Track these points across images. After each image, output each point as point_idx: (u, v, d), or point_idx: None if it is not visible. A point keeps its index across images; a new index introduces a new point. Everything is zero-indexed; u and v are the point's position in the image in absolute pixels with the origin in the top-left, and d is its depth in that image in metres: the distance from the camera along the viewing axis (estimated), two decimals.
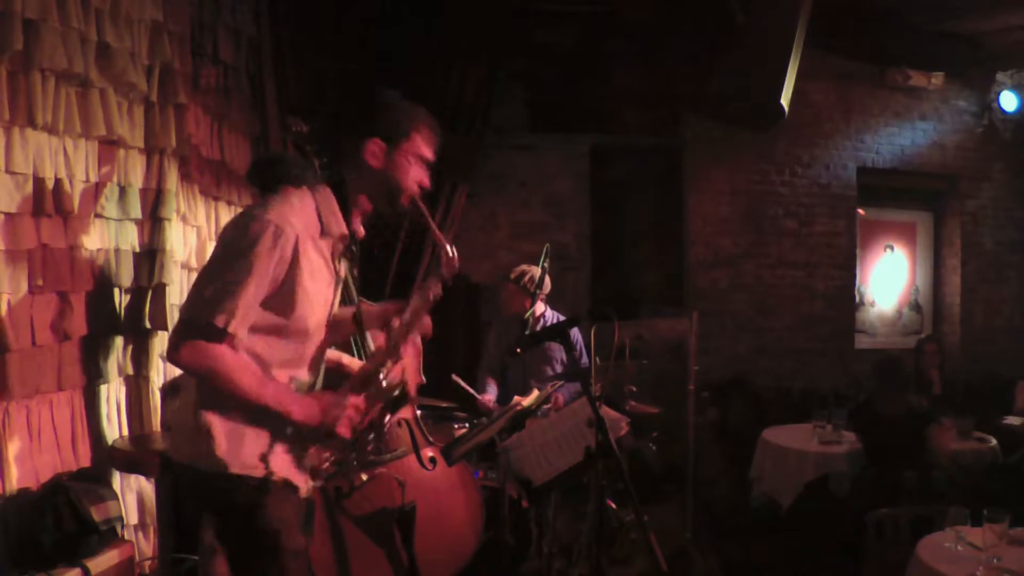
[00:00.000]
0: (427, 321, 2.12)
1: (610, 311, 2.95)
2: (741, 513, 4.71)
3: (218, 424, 1.78)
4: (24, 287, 2.49)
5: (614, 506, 3.88)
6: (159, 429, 3.12)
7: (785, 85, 4.21)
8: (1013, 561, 2.37)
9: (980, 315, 6.79)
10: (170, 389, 3.22)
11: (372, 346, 2.46)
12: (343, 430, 1.86)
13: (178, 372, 3.11)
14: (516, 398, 3.06)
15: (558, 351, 4.12)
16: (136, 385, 3.11)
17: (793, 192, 6.26)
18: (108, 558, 2.54)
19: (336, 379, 2.05)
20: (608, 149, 5.93)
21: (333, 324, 1.98)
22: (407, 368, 2.07)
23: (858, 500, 3.80)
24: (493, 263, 5.53)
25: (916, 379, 4.98)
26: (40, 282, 2.55)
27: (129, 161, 2.97)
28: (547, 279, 3.97)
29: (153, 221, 3.10)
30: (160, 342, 3.16)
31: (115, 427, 2.99)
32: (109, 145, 2.87)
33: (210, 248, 3.16)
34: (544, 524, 3.29)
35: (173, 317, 3.05)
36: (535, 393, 3.02)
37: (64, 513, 2.45)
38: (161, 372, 3.22)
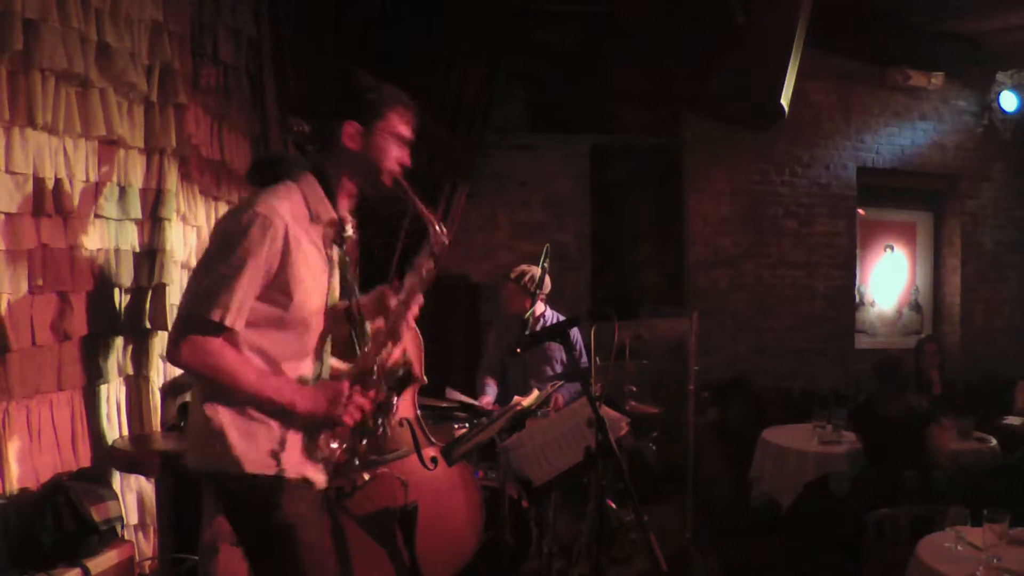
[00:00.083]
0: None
1: (610, 311, 2.96)
2: (741, 513, 4.71)
3: (228, 420, 1.79)
4: (24, 287, 2.49)
5: (614, 506, 3.88)
6: (159, 429, 3.13)
7: (785, 85, 4.21)
8: (1013, 561, 2.37)
9: (980, 315, 6.79)
10: (170, 389, 3.22)
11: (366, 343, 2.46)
12: (349, 418, 1.87)
13: (178, 372, 3.12)
14: (516, 398, 3.06)
15: (558, 351, 4.12)
16: (136, 385, 3.11)
17: (793, 192, 6.26)
18: (108, 558, 2.54)
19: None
20: (608, 149, 5.93)
21: (333, 313, 1.99)
22: (409, 351, 2.07)
23: (858, 500, 3.80)
24: (493, 263, 5.53)
25: (916, 379, 4.98)
26: (40, 282, 2.55)
27: (129, 161, 2.97)
28: (547, 279, 3.97)
29: (153, 221, 3.10)
30: (160, 342, 3.16)
31: (115, 427, 2.99)
32: (109, 145, 2.87)
33: None
34: (544, 524, 3.29)
35: (173, 317, 3.04)
36: (535, 393, 3.03)
37: (64, 513, 2.45)
38: (161, 372, 3.22)
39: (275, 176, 1.91)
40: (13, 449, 2.47)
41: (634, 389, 3.89)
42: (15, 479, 2.47)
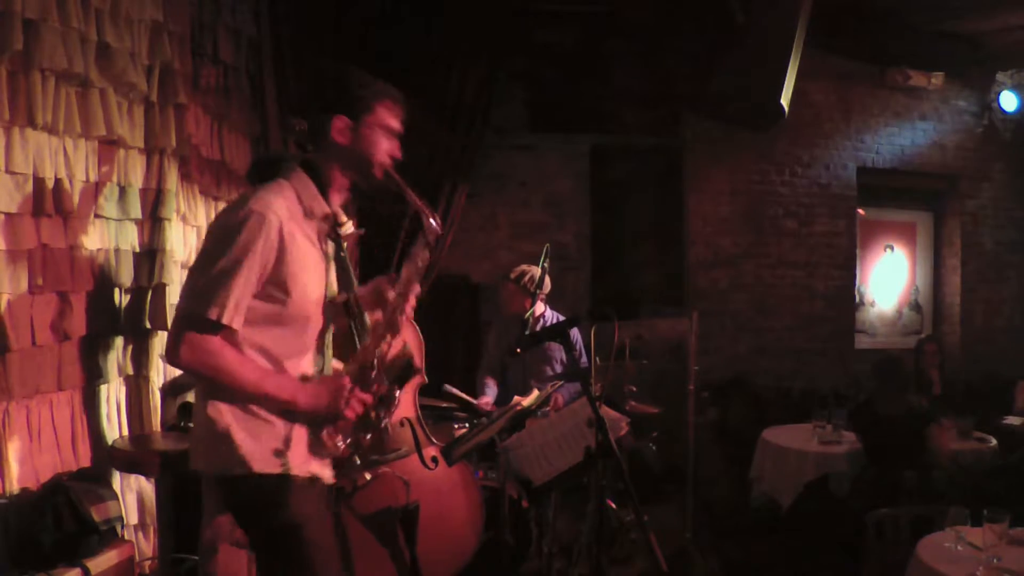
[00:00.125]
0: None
1: (610, 311, 2.96)
2: (741, 513, 4.71)
3: (232, 419, 1.79)
4: (24, 287, 2.49)
5: (614, 506, 3.88)
6: (159, 429, 3.13)
7: (785, 85, 4.20)
8: (1013, 561, 2.37)
9: (980, 315, 6.78)
10: (170, 389, 3.22)
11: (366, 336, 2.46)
12: (351, 412, 1.87)
13: (179, 372, 3.11)
14: (516, 398, 3.06)
15: (558, 351, 4.12)
16: (136, 385, 3.11)
17: (793, 192, 6.26)
18: (108, 558, 2.54)
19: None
20: (608, 149, 5.93)
21: (332, 307, 1.99)
22: (409, 343, 2.07)
23: (858, 500, 3.80)
24: (493, 263, 5.53)
25: (916, 379, 4.98)
26: (40, 282, 2.55)
27: (129, 161, 2.97)
28: (547, 279, 3.97)
29: (153, 221, 3.10)
30: (160, 342, 3.16)
31: (115, 427, 2.99)
32: (109, 145, 2.86)
33: None
34: (544, 524, 3.29)
35: (172, 317, 3.04)
36: (535, 393, 3.03)
37: (64, 513, 2.45)
38: (161, 372, 3.22)
39: (274, 176, 1.91)
40: (13, 449, 2.47)
41: (634, 389, 3.89)
42: (15, 479, 2.47)
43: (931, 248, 6.98)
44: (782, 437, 4.45)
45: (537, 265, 3.94)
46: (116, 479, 2.92)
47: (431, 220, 1.98)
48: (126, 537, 2.79)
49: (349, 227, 2.83)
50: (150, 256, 3.09)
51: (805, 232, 6.31)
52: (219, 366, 1.74)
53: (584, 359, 3.80)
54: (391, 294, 2.00)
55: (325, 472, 1.94)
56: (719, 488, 5.10)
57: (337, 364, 2.13)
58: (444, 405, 3.78)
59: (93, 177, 2.79)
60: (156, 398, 3.15)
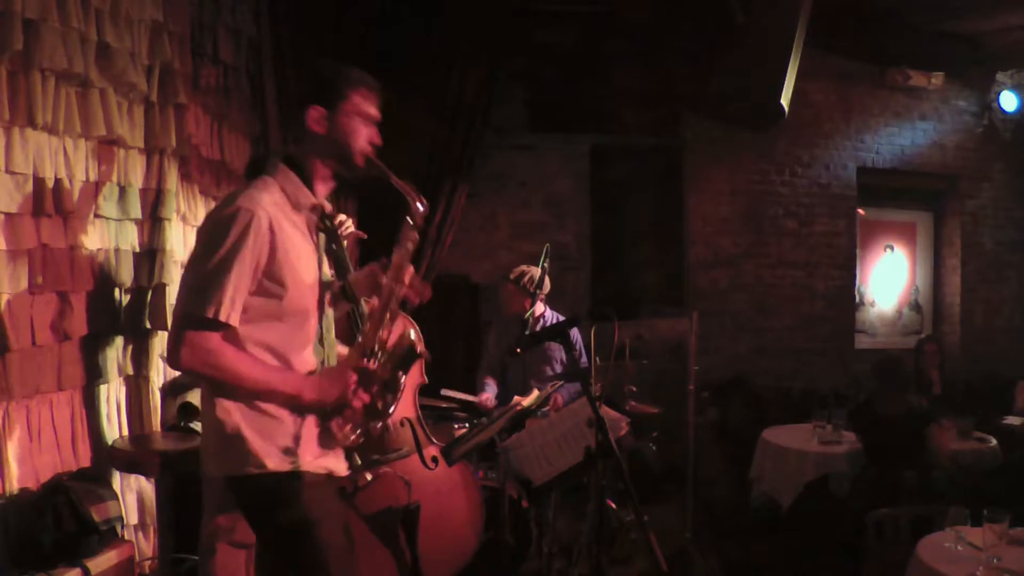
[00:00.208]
0: (419, 283, 2.11)
1: (610, 311, 2.95)
2: (741, 513, 4.71)
3: (241, 418, 1.80)
4: (24, 287, 2.49)
5: (614, 506, 3.88)
6: (159, 429, 3.13)
7: (785, 85, 4.20)
8: (1013, 561, 2.37)
9: (980, 315, 6.78)
10: (170, 389, 3.22)
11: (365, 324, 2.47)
12: (357, 401, 1.88)
13: (179, 372, 3.11)
14: (516, 398, 3.06)
15: (558, 351, 4.12)
16: (136, 385, 3.11)
17: (793, 192, 6.26)
18: (108, 558, 2.54)
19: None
20: (608, 149, 5.93)
21: (330, 295, 2.01)
22: (411, 327, 2.07)
23: (858, 500, 3.80)
24: (493, 263, 5.53)
25: (916, 379, 4.98)
26: (40, 282, 2.55)
27: (129, 161, 2.97)
28: (547, 279, 3.97)
29: (153, 221, 3.10)
30: (160, 342, 3.16)
31: (115, 427, 2.99)
32: (109, 145, 2.86)
33: None
34: (544, 524, 3.29)
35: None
36: (535, 393, 3.03)
37: (64, 513, 2.45)
38: (161, 372, 3.22)
39: (260, 174, 1.92)
40: (13, 449, 2.47)
41: (634, 389, 3.89)
42: (15, 479, 2.47)
43: (931, 248, 6.98)
44: (782, 437, 4.45)
45: (537, 265, 3.94)
46: (116, 479, 2.92)
47: (417, 203, 1.98)
48: (126, 537, 2.79)
49: (350, 226, 2.84)
50: (150, 256, 3.09)
51: (805, 232, 6.31)
52: (220, 365, 1.74)
53: (584, 359, 3.80)
54: (384, 279, 2.01)
55: (339, 465, 1.95)
56: (719, 488, 5.10)
57: (342, 349, 2.14)
58: (444, 405, 3.78)
59: (93, 177, 2.79)
60: (156, 398, 3.15)
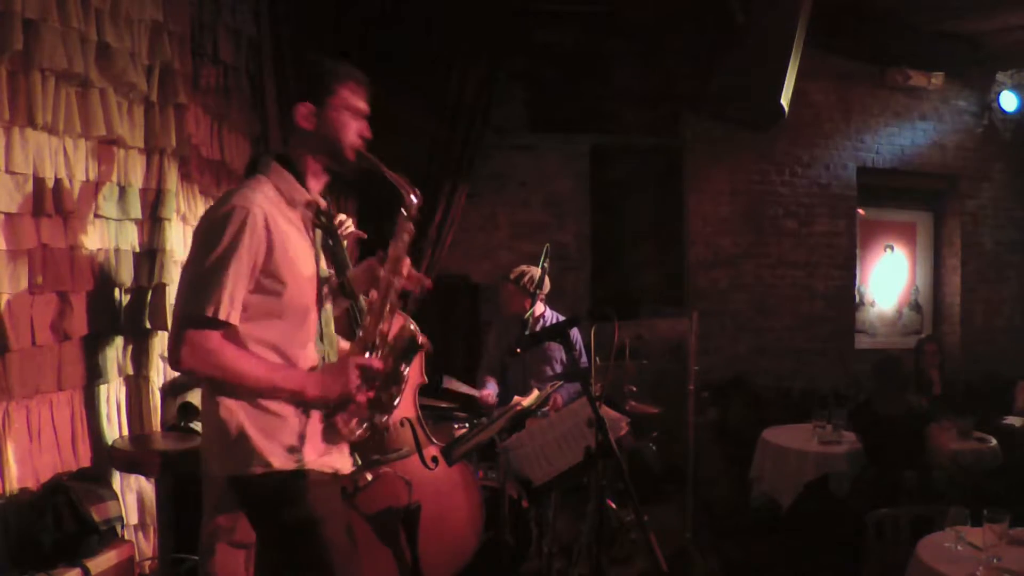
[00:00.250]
0: (417, 274, 2.11)
1: (610, 311, 2.95)
2: (741, 513, 4.71)
3: (244, 416, 1.80)
4: (24, 287, 2.49)
5: (614, 506, 3.88)
6: (159, 429, 3.13)
7: (785, 85, 4.20)
8: (1013, 561, 2.37)
9: (980, 315, 6.78)
10: (170, 389, 3.22)
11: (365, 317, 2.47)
12: (361, 395, 1.88)
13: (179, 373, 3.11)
14: (516, 398, 3.06)
15: (558, 351, 4.12)
16: (136, 385, 3.11)
17: (793, 192, 6.26)
18: (108, 558, 2.54)
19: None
20: (608, 149, 5.93)
21: (329, 290, 2.01)
22: (409, 321, 2.06)
23: (858, 500, 3.80)
24: (493, 263, 5.53)
25: (916, 379, 4.98)
26: (40, 282, 2.55)
27: (129, 161, 2.97)
28: (547, 279, 3.97)
29: (153, 221, 3.10)
30: (160, 342, 3.16)
31: (115, 427, 2.99)
32: (109, 145, 2.86)
33: None
34: (544, 524, 3.29)
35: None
36: (535, 393, 3.03)
37: (64, 513, 2.45)
38: (161, 372, 3.22)
39: (253, 173, 1.92)
40: (13, 449, 2.47)
41: (634, 389, 3.89)
42: (15, 479, 2.47)
43: (931, 248, 6.98)
44: (782, 437, 4.45)
45: (537, 265, 3.94)
46: (116, 479, 2.92)
47: (411, 195, 1.97)
48: (126, 537, 2.79)
49: (350, 226, 2.84)
50: (150, 256, 3.09)
51: (805, 232, 6.31)
52: (222, 364, 1.74)
53: (584, 359, 3.80)
54: (381, 272, 2.01)
55: (344, 463, 1.95)
56: (719, 488, 5.10)
57: (343, 344, 2.14)
58: (444, 405, 3.78)
59: (93, 177, 2.79)
60: (156, 398, 3.15)
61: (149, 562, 3.06)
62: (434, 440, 2.82)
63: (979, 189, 6.75)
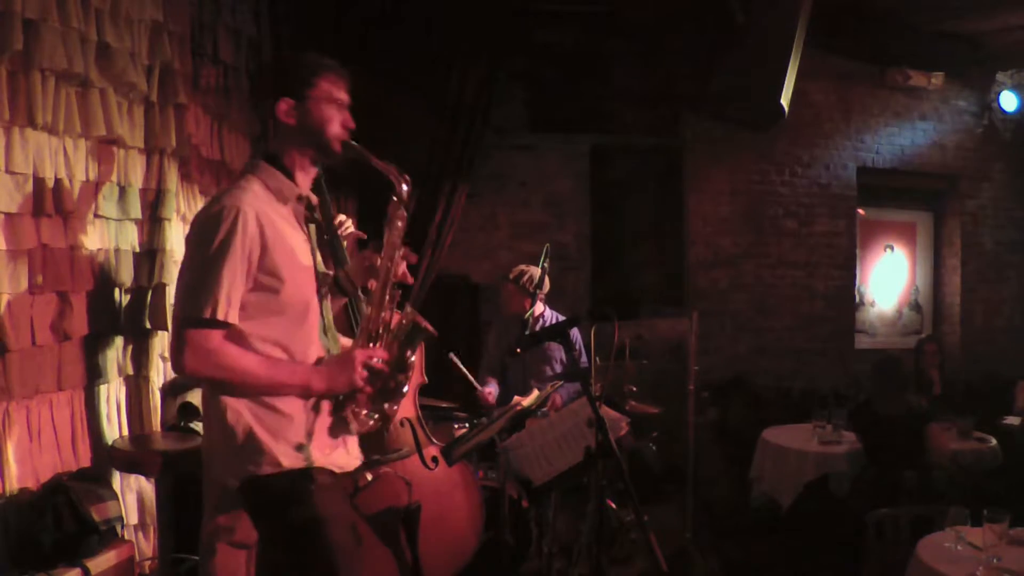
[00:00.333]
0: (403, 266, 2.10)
1: (610, 311, 2.96)
2: (741, 513, 4.71)
3: (251, 416, 1.79)
4: (24, 287, 2.49)
5: (614, 506, 3.88)
6: (159, 429, 3.12)
7: (785, 85, 4.20)
8: (1013, 561, 2.37)
9: (980, 315, 6.79)
10: (170, 389, 3.22)
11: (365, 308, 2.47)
12: (367, 385, 1.87)
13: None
14: (516, 398, 3.06)
15: (558, 351, 4.12)
16: (136, 385, 3.11)
17: (793, 192, 6.26)
18: (108, 558, 2.54)
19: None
20: (608, 149, 5.93)
21: (327, 284, 2.01)
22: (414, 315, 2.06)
23: (858, 500, 3.80)
24: (493, 263, 5.53)
25: (916, 379, 4.98)
26: (40, 282, 2.55)
27: (129, 161, 2.97)
28: (547, 279, 3.97)
29: (153, 221, 3.10)
30: (160, 342, 3.16)
31: (115, 427, 2.99)
32: (109, 145, 2.86)
33: None
34: (544, 524, 3.29)
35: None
36: (535, 393, 3.03)
37: (64, 513, 2.45)
38: (161, 372, 3.22)
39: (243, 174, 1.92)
40: (13, 449, 2.47)
41: (634, 389, 3.89)
42: (15, 479, 2.47)
43: (931, 248, 6.98)
44: (782, 437, 4.45)
45: (537, 265, 3.94)
46: (116, 479, 2.92)
47: (401, 182, 1.97)
48: (126, 537, 2.79)
49: (349, 226, 2.84)
50: (150, 256, 3.09)
51: (805, 232, 6.31)
52: (226, 364, 1.73)
53: (584, 359, 3.80)
54: (378, 260, 2.00)
55: (350, 459, 1.95)
56: (719, 488, 5.10)
57: (345, 341, 2.14)
58: (444, 405, 3.78)
59: (93, 177, 2.78)
60: (156, 398, 3.15)
61: (149, 562, 3.06)
62: (434, 440, 2.82)
63: (979, 189, 6.76)
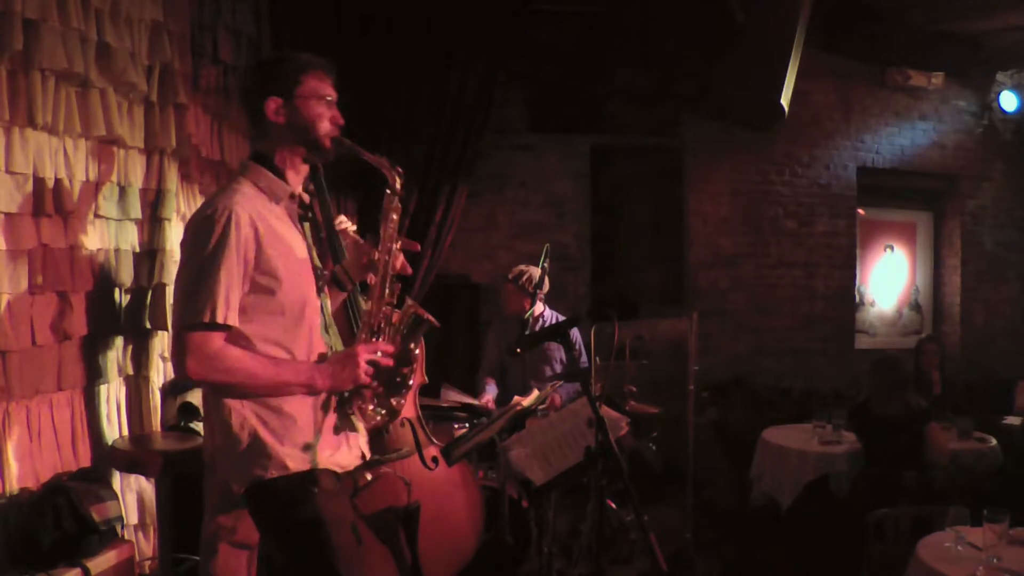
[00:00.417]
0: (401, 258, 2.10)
1: (610, 311, 2.96)
2: (741, 513, 4.71)
3: (256, 419, 1.79)
4: (24, 287, 2.49)
5: (614, 506, 3.88)
6: (159, 429, 3.12)
7: (785, 85, 4.20)
8: (1013, 561, 2.37)
9: (980, 315, 6.79)
10: (170, 389, 3.22)
11: (364, 305, 2.47)
12: (372, 380, 1.86)
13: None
14: (516, 398, 3.06)
15: (558, 351, 4.12)
16: (136, 385, 3.11)
17: (793, 192, 6.26)
18: (108, 558, 2.54)
19: None
20: (608, 149, 5.93)
21: (324, 282, 2.00)
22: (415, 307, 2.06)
23: (858, 500, 3.80)
24: (493, 263, 5.54)
25: (916, 379, 4.98)
26: (40, 282, 2.55)
27: (129, 161, 2.97)
28: (547, 279, 3.97)
29: (153, 221, 3.10)
30: (160, 342, 3.16)
31: (115, 427, 2.99)
32: (109, 145, 2.86)
33: None
34: (544, 524, 3.29)
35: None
36: (535, 393, 3.03)
37: (64, 513, 2.45)
38: (161, 372, 3.22)
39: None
40: (13, 449, 2.47)
41: (634, 389, 3.90)
42: (15, 479, 2.47)
43: (931, 248, 6.98)
44: (782, 437, 4.45)
45: (537, 265, 3.94)
46: (116, 479, 2.92)
47: (394, 176, 1.96)
48: (126, 537, 2.79)
49: (350, 227, 2.84)
50: (150, 256, 3.09)
51: (805, 232, 6.31)
52: (229, 367, 1.73)
53: (584, 359, 3.80)
54: (375, 254, 2.00)
55: (351, 459, 1.94)
56: (719, 488, 5.10)
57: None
58: (444, 405, 3.78)
59: (93, 177, 2.78)
60: (156, 398, 3.15)
61: (149, 562, 3.06)
62: (434, 440, 2.82)
63: (979, 189, 6.76)
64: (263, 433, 1.78)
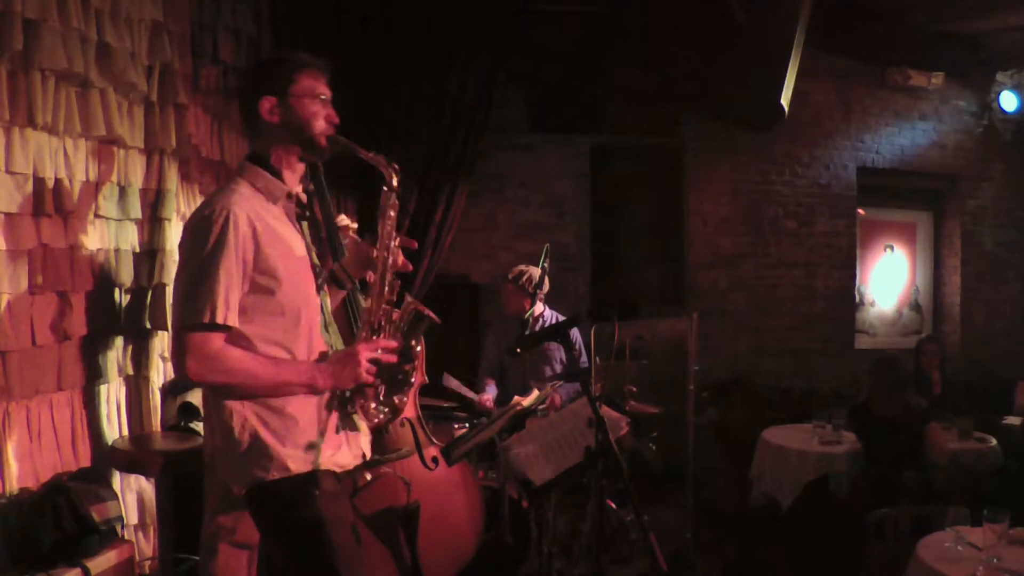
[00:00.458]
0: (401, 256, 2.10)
1: (610, 311, 2.96)
2: (741, 513, 4.71)
3: (257, 420, 1.78)
4: (24, 287, 2.49)
5: (614, 506, 3.88)
6: (159, 429, 3.12)
7: (785, 85, 4.21)
8: (1013, 561, 2.37)
9: (980, 315, 6.79)
10: (170, 389, 3.22)
11: (364, 303, 2.46)
12: (374, 379, 1.86)
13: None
14: (516, 398, 3.06)
15: (558, 351, 4.12)
16: (136, 385, 3.11)
17: (793, 192, 6.27)
18: (108, 558, 2.54)
19: None
20: (608, 149, 5.93)
21: (323, 280, 2.00)
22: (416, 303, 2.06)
23: (858, 500, 3.80)
24: (493, 263, 5.54)
25: (916, 379, 4.98)
26: (40, 282, 2.55)
27: (129, 161, 2.97)
28: (547, 279, 3.97)
29: (153, 221, 3.10)
30: (160, 342, 3.16)
31: (115, 427, 2.99)
32: (109, 145, 2.86)
33: None
34: (544, 524, 3.29)
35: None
36: (535, 393, 3.03)
37: (64, 513, 2.45)
38: (161, 372, 3.22)
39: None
40: (13, 449, 2.47)
41: (634, 389, 3.90)
42: (15, 479, 2.47)
43: (931, 248, 6.99)
44: (782, 437, 4.45)
45: (537, 265, 3.94)
46: (116, 479, 2.92)
47: (391, 173, 1.96)
48: (126, 537, 2.79)
49: (351, 226, 2.84)
50: (150, 256, 3.09)
51: (805, 232, 6.31)
52: (229, 368, 1.72)
53: (584, 359, 3.80)
54: (374, 252, 2.00)
55: (352, 459, 1.94)
56: (719, 488, 5.10)
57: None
58: (444, 405, 3.78)
59: (93, 177, 2.78)
60: (156, 398, 3.15)
61: (149, 562, 3.06)
62: (434, 440, 2.82)
63: (979, 189, 6.76)
64: (264, 434, 1.78)
